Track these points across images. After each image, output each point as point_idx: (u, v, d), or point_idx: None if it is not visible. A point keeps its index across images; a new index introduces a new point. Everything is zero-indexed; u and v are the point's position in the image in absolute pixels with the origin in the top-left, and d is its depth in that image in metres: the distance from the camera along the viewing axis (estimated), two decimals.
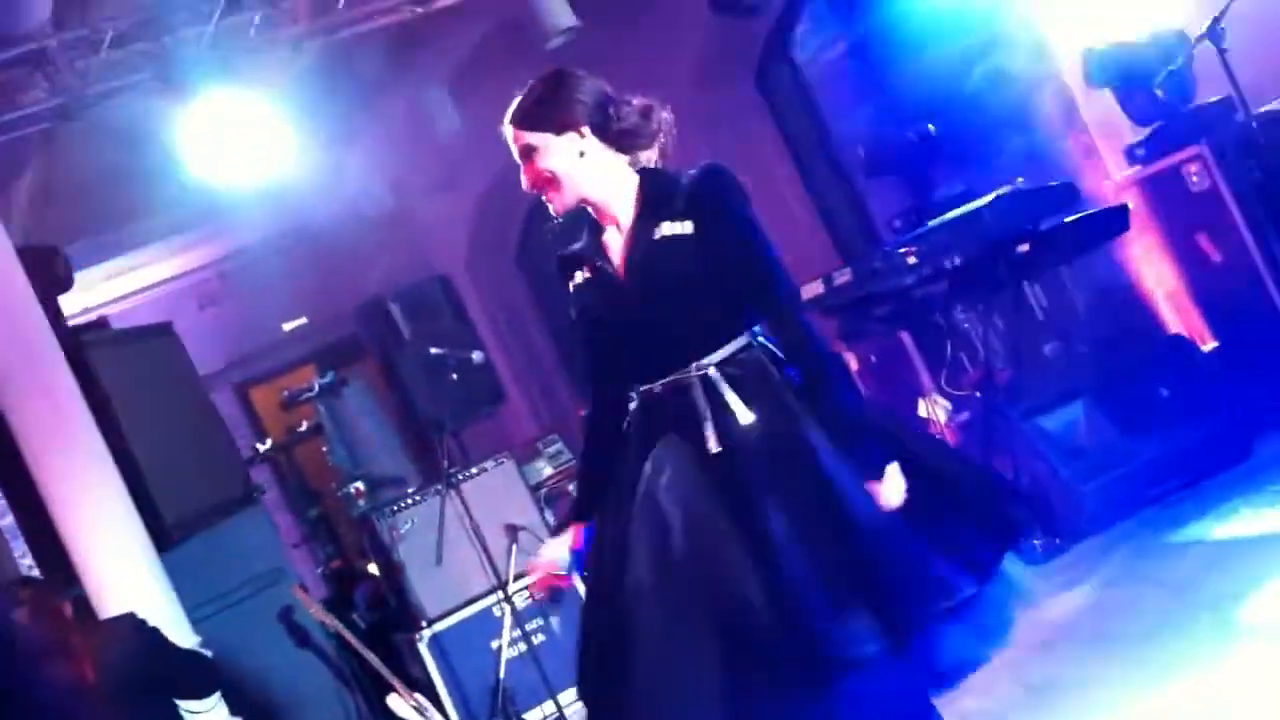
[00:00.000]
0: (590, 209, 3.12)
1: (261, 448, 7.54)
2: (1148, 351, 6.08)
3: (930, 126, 7.30)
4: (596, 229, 3.13)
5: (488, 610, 6.45)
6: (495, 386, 7.31)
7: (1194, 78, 6.17)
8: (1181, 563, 4.98)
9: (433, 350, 6.35)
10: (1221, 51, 5.08)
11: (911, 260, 5.81)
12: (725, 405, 2.93)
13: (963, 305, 6.20)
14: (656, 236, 3.00)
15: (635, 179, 3.09)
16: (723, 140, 8.02)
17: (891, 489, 2.89)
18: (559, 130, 3.02)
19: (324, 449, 7.22)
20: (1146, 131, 6.53)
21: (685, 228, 2.97)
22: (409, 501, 6.55)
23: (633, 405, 3.09)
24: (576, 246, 3.14)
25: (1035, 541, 5.71)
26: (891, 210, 7.85)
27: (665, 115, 3.15)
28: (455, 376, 6.47)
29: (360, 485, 6.82)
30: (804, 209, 8.98)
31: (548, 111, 3.03)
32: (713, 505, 2.85)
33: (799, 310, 3.03)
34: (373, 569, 7.03)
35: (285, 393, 7.03)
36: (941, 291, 6.17)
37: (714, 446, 2.90)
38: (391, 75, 8.79)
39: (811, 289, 6.88)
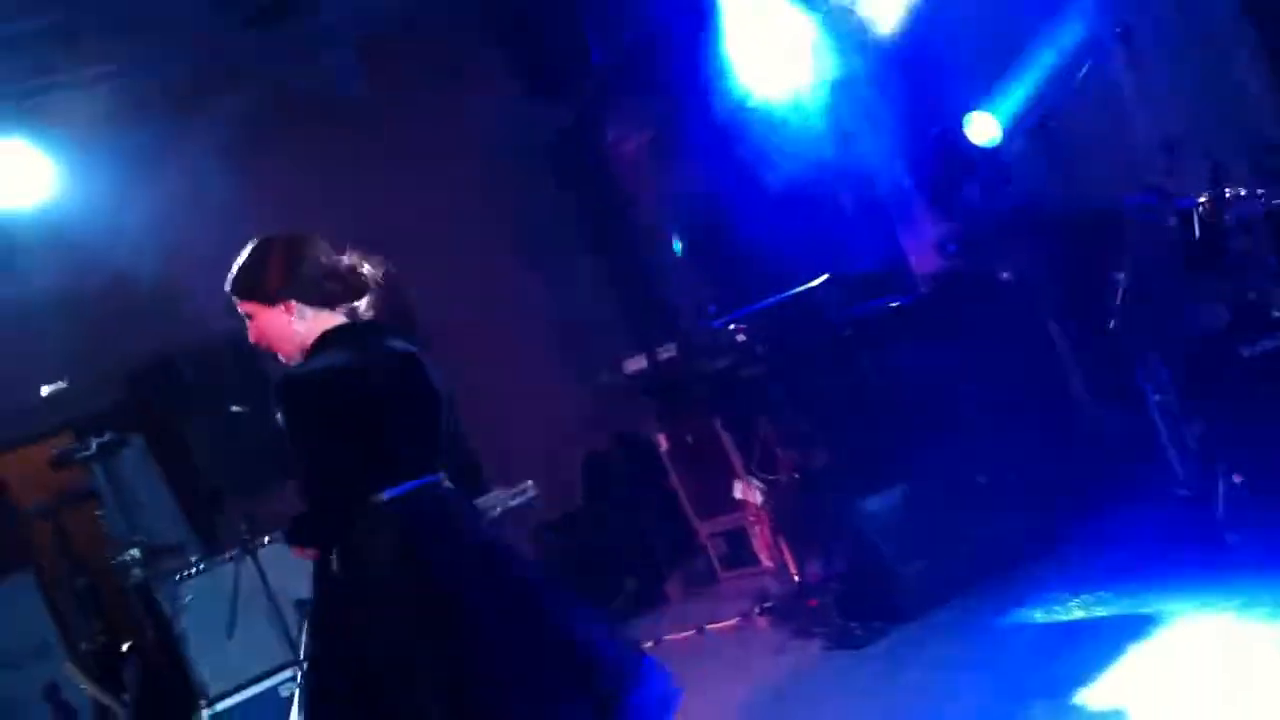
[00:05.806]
0: None
1: None
2: (965, 438, 6.14)
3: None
4: None
5: (273, 690, 6.00)
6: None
7: (1010, 174, 6.38)
8: (1006, 649, 4.95)
9: (234, 408, 5.95)
10: (1052, 147, 5.22)
11: (741, 337, 5.75)
12: None
13: (784, 387, 6.17)
14: None
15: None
16: (524, 227, 7.97)
17: None
18: (269, 301, 3.27)
19: (97, 513, 6.64)
20: (956, 225, 6.71)
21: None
22: (193, 570, 6.08)
23: None
24: None
25: (854, 624, 5.68)
26: (696, 294, 7.82)
27: (369, 270, 3.36)
28: (249, 438, 6.07)
29: (137, 553, 6.26)
30: (606, 292, 8.95)
31: (256, 283, 3.28)
32: None
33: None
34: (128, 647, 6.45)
35: (56, 451, 6.44)
36: (763, 372, 6.15)
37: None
38: (171, 136, 8.39)
39: (635, 364, 6.77)
